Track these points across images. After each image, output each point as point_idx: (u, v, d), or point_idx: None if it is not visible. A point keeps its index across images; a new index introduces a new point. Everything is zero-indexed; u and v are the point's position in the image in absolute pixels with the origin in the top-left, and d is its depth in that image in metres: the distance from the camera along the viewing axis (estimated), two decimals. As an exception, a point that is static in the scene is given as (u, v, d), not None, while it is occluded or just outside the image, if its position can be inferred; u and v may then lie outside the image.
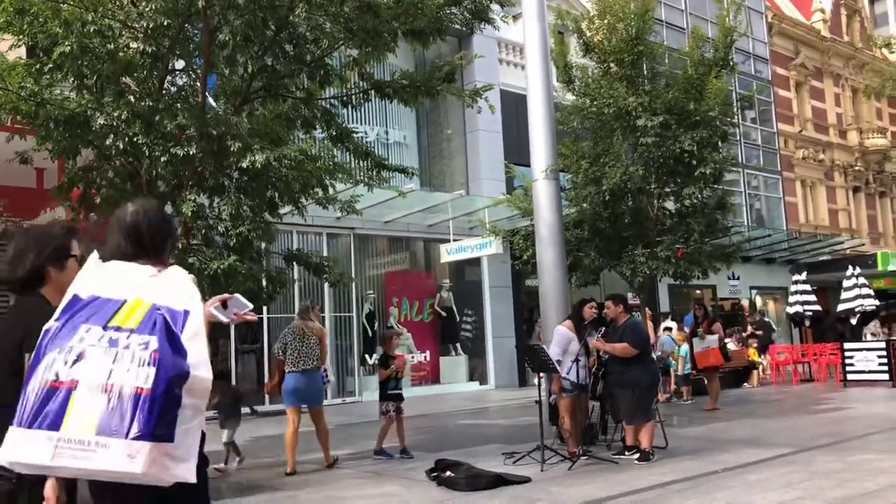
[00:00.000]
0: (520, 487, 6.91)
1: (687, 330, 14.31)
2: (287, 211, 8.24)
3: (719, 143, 13.27)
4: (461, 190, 18.43)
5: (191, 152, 6.72)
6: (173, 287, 2.35)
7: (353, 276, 16.45)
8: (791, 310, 19.99)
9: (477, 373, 19.27)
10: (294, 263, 8.51)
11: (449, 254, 17.76)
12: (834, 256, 27.46)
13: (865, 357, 16.22)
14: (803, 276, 20.23)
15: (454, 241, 17.66)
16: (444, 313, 19.19)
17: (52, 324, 2.23)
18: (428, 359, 18.98)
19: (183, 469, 2.17)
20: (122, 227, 2.55)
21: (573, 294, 11.64)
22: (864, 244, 29.81)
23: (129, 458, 2.06)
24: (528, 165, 11.18)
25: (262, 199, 7.55)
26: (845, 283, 18.97)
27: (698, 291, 23.86)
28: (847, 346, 16.78)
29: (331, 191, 8.25)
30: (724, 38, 13.34)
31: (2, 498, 2.59)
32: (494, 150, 19.31)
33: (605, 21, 12.98)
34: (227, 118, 6.95)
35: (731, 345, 17.15)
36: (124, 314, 2.24)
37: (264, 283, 7.62)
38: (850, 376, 16.19)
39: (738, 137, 25.39)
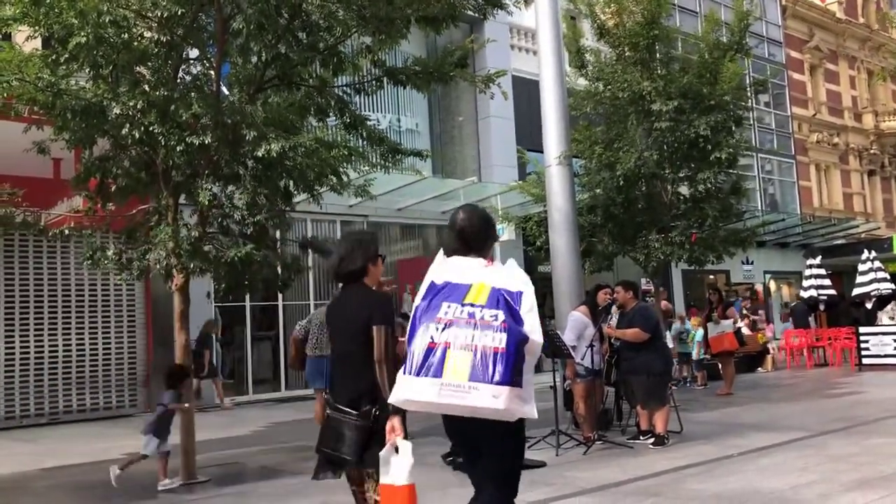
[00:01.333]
0: (535, 472, 6.96)
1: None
2: (302, 199, 8.27)
3: (734, 128, 13.18)
4: (473, 177, 18.44)
5: (206, 141, 6.74)
6: (507, 274, 3.08)
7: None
8: (805, 294, 19.91)
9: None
10: (309, 250, 8.55)
11: (462, 240, 17.74)
12: (849, 240, 27.28)
13: (881, 341, 16.15)
14: (818, 260, 20.12)
15: (467, 227, 17.64)
16: (457, 300, 19.23)
17: (419, 303, 3.02)
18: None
19: (528, 408, 2.94)
20: (454, 230, 3.26)
21: (586, 280, 11.64)
22: (879, 228, 29.62)
23: (493, 398, 2.81)
24: (541, 151, 11.16)
25: (277, 188, 7.58)
26: (860, 268, 18.86)
27: (712, 276, 23.78)
28: (862, 330, 16.71)
29: (345, 178, 8.27)
30: (739, 22, 13.23)
31: (361, 432, 3.48)
32: (506, 137, 19.28)
33: (620, 4, 12.89)
34: (241, 107, 6.96)
35: (745, 329, 17.12)
36: (473, 294, 2.97)
37: (280, 270, 7.66)
38: (865, 361, 16.14)
39: (751, 122, 25.22)
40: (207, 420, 11.92)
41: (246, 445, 9.60)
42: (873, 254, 19.25)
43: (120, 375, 13.75)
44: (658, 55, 12.91)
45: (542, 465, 7.19)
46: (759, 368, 17.40)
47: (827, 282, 19.80)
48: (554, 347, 8.18)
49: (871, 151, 32.96)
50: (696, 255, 12.83)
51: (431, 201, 17.74)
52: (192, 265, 6.90)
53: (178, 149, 6.83)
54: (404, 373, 2.93)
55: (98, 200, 7.82)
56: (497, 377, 2.81)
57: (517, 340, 2.86)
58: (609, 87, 12.73)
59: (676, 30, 14.53)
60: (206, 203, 6.93)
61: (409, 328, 3.01)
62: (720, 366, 13.71)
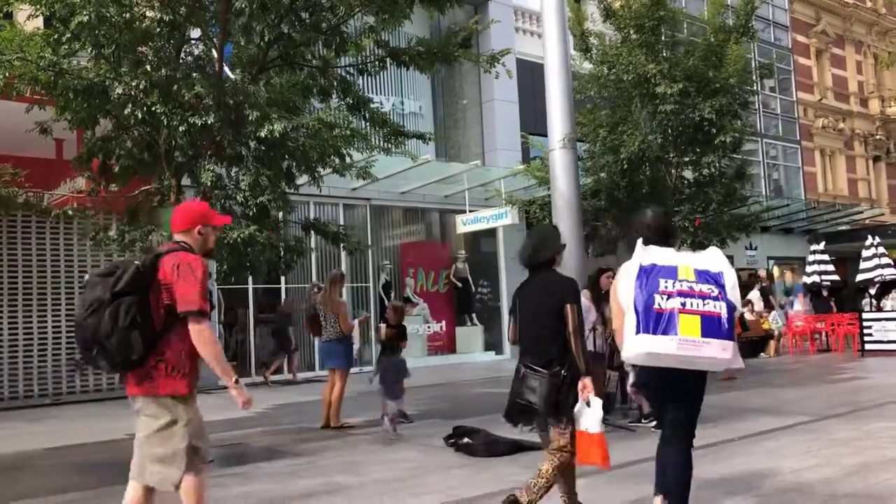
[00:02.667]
0: (537, 453, 6.92)
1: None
2: (304, 182, 8.25)
3: (738, 112, 13.12)
4: (477, 160, 18.37)
5: (209, 122, 6.72)
6: (707, 258, 3.94)
7: (369, 244, 16.51)
8: (809, 280, 19.87)
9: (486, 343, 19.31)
10: (312, 232, 8.53)
11: (464, 224, 17.73)
12: (853, 226, 27.19)
13: (884, 327, 16.13)
14: (822, 245, 20.06)
15: (470, 211, 17.63)
16: (459, 284, 19.25)
17: (633, 281, 3.86)
18: (444, 329, 19.08)
19: (738, 361, 3.85)
20: (648, 225, 4.17)
21: (590, 264, 11.62)
22: (883, 214, 29.52)
23: (722, 350, 3.72)
24: (545, 135, 11.10)
25: (280, 169, 7.57)
26: (864, 254, 18.80)
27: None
28: (865, 315, 16.69)
29: (347, 160, 8.24)
30: (745, 6, 13.13)
31: (552, 389, 4.29)
32: (510, 120, 19.19)
33: (627, -14, 12.81)
34: (244, 87, 6.94)
35: (748, 315, 17.12)
36: (682, 273, 3.82)
37: (282, 252, 7.65)
38: (868, 346, 16.12)
39: (757, 106, 25.09)
40: (210, 401, 11.95)
41: (249, 427, 9.62)
42: (877, 240, 19.17)
43: (123, 357, 13.76)
44: (663, 38, 12.83)
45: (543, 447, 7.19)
46: (762, 353, 17.40)
47: (830, 267, 19.75)
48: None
49: (877, 137, 32.79)
50: (699, 239, 12.80)
51: (434, 185, 17.70)
52: (194, 246, 6.89)
53: (180, 129, 6.82)
54: (637, 333, 3.77)
55: (100, 181, 7.82)
56: (724, 334, 3.71)
57: (730, 309, 3.77)
58: (614, 69, 12.66)
59: (682, 12, 14.43)
60: (209, 184, 6.92)
61: (631, 300, 3.82)
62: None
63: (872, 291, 18.31)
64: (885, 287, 18.39)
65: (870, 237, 19.34)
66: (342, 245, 8.50)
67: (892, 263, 18.81)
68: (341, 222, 16.11)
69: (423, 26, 16.14)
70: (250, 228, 6.83)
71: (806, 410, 8.91)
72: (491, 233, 18.74)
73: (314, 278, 16.33)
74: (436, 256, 19.34)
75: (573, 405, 4.26)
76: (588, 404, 4.20)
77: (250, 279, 14.49)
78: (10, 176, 10.20)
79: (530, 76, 17.20)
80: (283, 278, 15.33)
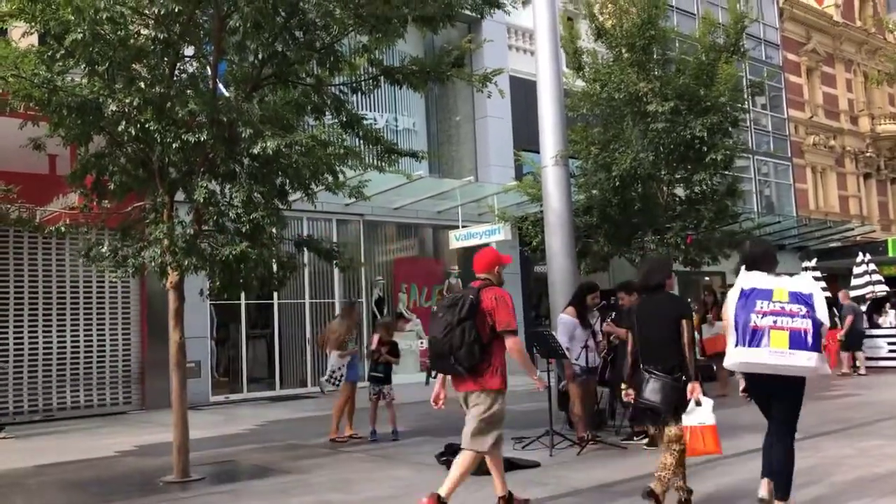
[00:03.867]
0: (529, 472, 6.97)
1: None
2: (297, 197, 8.27)
3: (730, 129, 13.23)
4: (470, 176, 18.43)
5: (202, 139, 6.73)
6: (801, 282, 4.83)
7: (362, 261, 16.50)
8: (800, 297, 19.91)
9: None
10: (304, 249, 8.54)
11: (457, 240, 17.74)
12: (844, 243, 27.32)
13: (875, 344, 16.17)
14: (813, 262, 20.16)
15: (463, 227, 17.66)
16: (452, 299, 19.22)
17: (735, 303, 4.76)
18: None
19: (825, 368, 4.68)
20: (748, 254, 5.16)
21: (582, 281, 11.67)
22: (874, 231, 29.68)
23: (807, 360, 4.55)
24: (538, 152, 11.17)
25: (273, 186, 7.58)
26: (855, 270, 18.89)
27: (707, 278, 23.81)
28: (857, 332, 16.73)
29: (341, 177, 8.27)
30: (735, 25, 13.27)
31: (675, 391, 5.12)
32: (503, 137, 19.28)
33: (618, 5, 12.92)
34: (237, 105, 6.95)
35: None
36: (777, 295, 4.69)
37: (275, 268, 7.65)
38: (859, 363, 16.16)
39: (748, 124, 25.26)
40: (201, 418, 11.91)
41: (239, 444, 9.59)
42: (868, 256, 19.29)
43: (114, 372, 13.73)
44: (655, 56, 12.95)
45: (535, 465, 7.20)
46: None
47: (822, 284, 19.79)
48: (549, 348, 8.19)
49: (867, 154, 33.03)
50: (691, 256, 12.86)
51: (428, 201, 17.74)
52: (186, 263, 6.89)
53: (173, 146, 6.83)
54: (736, 346, 4.70)
55: (94, 197, 7.81)
56: (809, 347, 4.54)
57: (817, 325, 4.60)
58: (606, 88, 12.75)
59: (673, 31, 14.56)
60: (202, 200, 6.93)
61: (731, 319, 4.75)
62: (714, 367, 13.71)
63: (864, 308, 18.40)
64: (877, 303, 18.48)
65: (861, 254, 19.45)
66: (335, 262, 8.51)
67: (884, 280, 18.91)
68: (335, 238, 16.14)
69: (416, 44, 16.25)
70: (242, 245, 6.83)
71: (797, 427, 8.90)
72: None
73: (307, 294, 16.34)
74: (429, 272, 19.34)
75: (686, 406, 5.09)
76: (698, 403, 5.04)
77: (242, 295, 14.47)
78: (2, 192, 10.19)
79: (523, 93, 17.30)
80: (275, 294, 15.30)
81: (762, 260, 5.06)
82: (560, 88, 10.97)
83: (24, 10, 6.58)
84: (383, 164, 8.67)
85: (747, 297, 4.73)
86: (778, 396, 4.89)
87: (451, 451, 7.44)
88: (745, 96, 14.75)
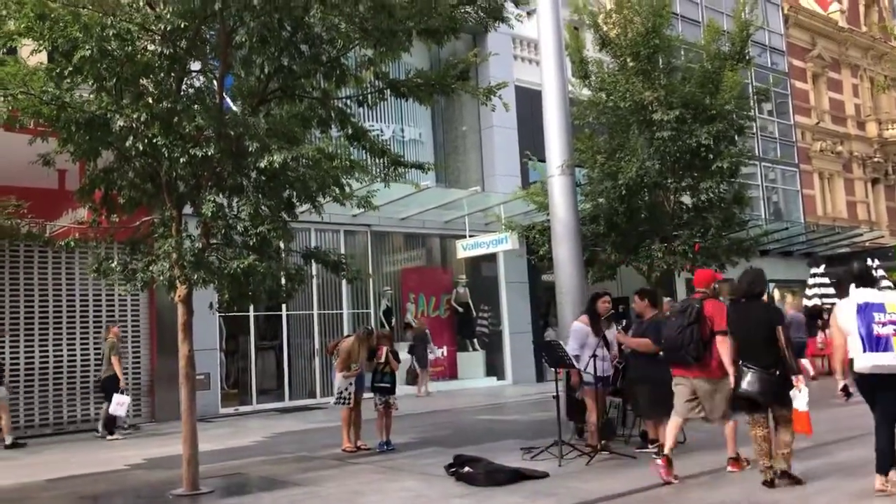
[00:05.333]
0: (539, 482, 6.95)
1: None
2: (304, 209, 8.31)
3: (736, 137, 13.20)
4: (477, 186, 18.46)
5: (209, 153, 6.78)
6: None
7: (370, 272, 16.54)
8: (809, 303, 19.85)
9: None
10: (312, 261, 8.58)
11: (465, 249, 17.80)
12: (853, 249, 27.20)
13: None
14: (822, 268, 20.07)
15: (470, 237, 17.70)
16: (460, 309, 19.25)
17: (855, 316, 5.71)
18: (445, 355, 19.05)
19: None
20: (856, 274, 6.16)
21: (590, 290, 11.65)
22: (883, 236, 29.54)
23: None
24: (544, 160, 11.19)
25: (280, 199, 7.62)
26: (864, 276, 18.77)
27: (716, 286, 23.71)
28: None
29: (347, 189, 8.30)
30: (741, 32, 13.27)
31: (773, 384, 6.14)
32: (510, 147, 19.32)
33: (622, 15, 12.94)
34: (244, 119, 7.00)
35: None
36: (889, 308, 5.68)
37: (283, 281, 7.68)
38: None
39: (754, 130, 25.22)
40: (210, 430, 11.94)
41: (249, 456, 9.61)
42: (877, 262, 19.18)
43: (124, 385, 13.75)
44: (660, 65, 12.95)
45: (545, 475, 7.18)
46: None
47: (831, 290, 19.73)
48: (556, 357, 8.18)
49: (875, 160, 32.92)
50: (698, 264, 12.81)
51: (434, 211, 17.78)
52: (195, 277, 6.93)
53: (181, 160, 6.88)
54: (864, 351, 5.59)
55: (102, 212, 7.87)
56: None
57: None
58: (611, 96, 12.76)
59: (678, 39, 14.55)
60: (210, 214, 6.97)
61: (855, 328, 5.67)
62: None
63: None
64: None
65: (869, 260, 19.33)
66: (342, 274, 8.53)
67: (893, 286, 18.79)
68: (342, 249, 16.19)
69: (422, 57, 16.31)
70: (250, 258, 6.87)
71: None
72: (491, 258, 18.79)
73: (315, 306, 16.38)
74: (436, 282, 19.38)
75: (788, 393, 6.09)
76: (799, 391, 6.03)
77: (251, 307, 14.52)
78: (13, 207, 10.27)
79: (529, 103, 17.34)
80: (283, 306, 15.35)
81: (866, 277, 6.12)
82: (566, 98, 10.98)
83: (32, 28, 6.65)
84: (389, 177, 8.71)
85: (864, 310, 5.69)
86: (886, 391, 5.72)
87: (460, 463, 7.46)
88: (751, 103, 14.70)
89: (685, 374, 6.87)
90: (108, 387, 11.95)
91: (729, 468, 6.96)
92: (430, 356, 17.97)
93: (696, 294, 7.08)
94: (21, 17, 6.59)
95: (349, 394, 9.37)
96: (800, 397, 6.03)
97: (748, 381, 6.19)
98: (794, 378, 6.13)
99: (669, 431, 6.90)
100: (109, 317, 13.71)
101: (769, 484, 6.20)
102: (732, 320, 6.51)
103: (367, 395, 9.67)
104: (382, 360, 9.46)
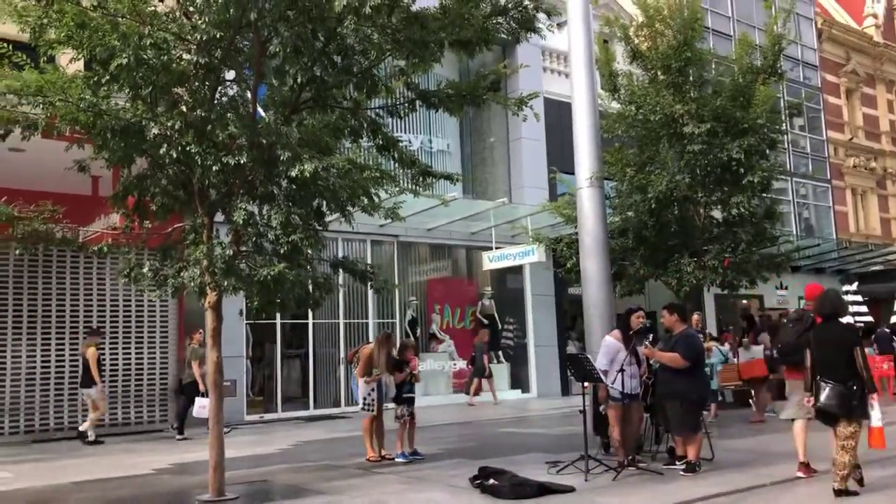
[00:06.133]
0: (564, 497, 6.89)
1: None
2: (333, 218, 8.36)
3: (767, 151, 13.09)
4: (504, 198, 18.44)
5: (241, 161, 6.84)
6: None
7: (396, 282, 16.56)
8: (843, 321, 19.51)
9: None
10: (340, 270, 8.61)
11: (491, 261, 17.76)
12: (887, 267, 26.74)
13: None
14: (854, 286, 19.76)
15: (496, 248, 17.66)
16: (485, 321, 19.19)
17: None
18: (469, 367, 19.00)
19: None
20: None
21: (617, 304, 11.57)
22: (918, 254, 28.98)
23: None
24: (572, 173, 11.15)
25: (311, 208, 7.67)
26: (898, 295, 18.49)
27: (745, 301, 23.45)
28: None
29: (376, 200, 8.34)
30: (773, 46, 13.17)
31: (848, 398, 6.50)
32: (538, 158, 19.29)
33: (654, 28, 12.91)
34: (276, 128, 7.06)
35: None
36: None
37: (311, 289, 7.71)
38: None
39: (786, 145, 24.97)
40: (236, 437, 12.00)
41: (273, 463, 9.64)
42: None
43: (152, 390, 13.91)
44: (691, 78, 12.89)
45: (570, 489, 7.12)
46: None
47: (864, 309, 19.42)
48: (584, 371, 8.13)
49: (910, 176, 32.40)
50: (728, 279, 12.69)
51: (461, 222, 17.78)
52: (225, 283, 6.98)
53: (214, 168, 6.95)
54: None
55: (135, 218, 7.97)
56: None
57: None
58: (641, 109, 12.72)
59: (709, 52, 14.48)
60: (241, 222, 7.03)
61: None
62: (752, 392, 13.48)
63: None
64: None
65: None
66: (369, 283, 8.56)
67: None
68: (369, 258, 16.24)
69: (452, 68, 16.37)
70: (280, 266, 6.91)
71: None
72: (517, 270, 18.73)
73: (341, 314, 16.44)
74: (462, 293, 19.35)
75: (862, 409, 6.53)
76: (872, 408, 6.51)
77: (278, 314, 14.61)
78: (49, 213, 10.42)
79: (558, 114, 17.33)
80: (310, 314, 15.43)
81: None
82: (595, 110, 10.95)
83: (72, 36, 6.77)
84: (418, 187, 8.73)
85: None
86: None
87: (485, 475, 7.42)
88: (783, 118, 14.57)
89: (800, 378, 7.27)
90: (189, 390, 12.50)
91: (799, 473, 7.49)
92: (454, 367, 17.94)
93: (807, 306, 7.99)
94: (62, 25, 6.71)
95: (372, 400, 9.37)
96: (874, 414, 6.57)
97: (826, 395, 6.59)
98: (870, 396, 6.57)
99: (797, 436, 7.58)
100: (139, 322, 13.87)
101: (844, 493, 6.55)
102: (813, 338, 6.93)
103: (389, 405, 9.66)
104: (417, 370, 9.50)
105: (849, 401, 6.51)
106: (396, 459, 9.18)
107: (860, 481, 6.80)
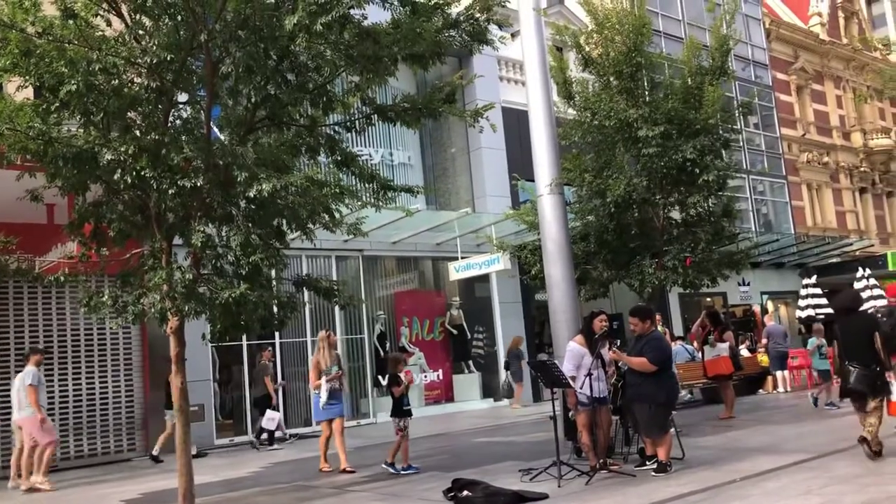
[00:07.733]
0: (538, 504, 6.90)
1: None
2: (294, 237, 8.31)
3: (721, 151, 13.29)
4: (467, 207, 18.50)
5: (198, 184, 6.78)
6: None
7: (362, 297, 16.49)
8: (802, 314, 19.90)
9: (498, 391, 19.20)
10: (304, 288, 8.55)
11: (457, 271, 17.79)
12: (843, 259, 27.34)
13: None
14: (813, 279, 20.14)
15: (462, 258, 17.70)
16: (454, 331, 19.20)
17: None
18: (441, 378, 18.98)
19: None
20: None
21: (583, 308, 11.65)
22: (873, 245, 29.68)
23: None
24: (533, 180, 11.24)
25: (270, 227, 7.61)
26: (856, 285, 18.88)
27: (709, 299, 23.78)
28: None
29: (337, 216, 8.31)
30: (720, 47, 13.40)
31: (871, 378, 7.75)
32: (499, 167, 19.38)
33: (604, 35, 13.06)
34: (232, 148, 7.01)
35: (745, 351, 17.09)
36: None
37: (275, 309, 7.65)
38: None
39: (741, 144, 25.41)
40: (206, 462, 11.82)
41: (246, 487, 9.51)
42: (868, 271, 19.27)
43: (118, 419, 13.64)
44: (643, 82, 13.06)
45: (544, 496, 7.14)
46: (760, 390, 17.33)
47: (823, 300, 19.77)
48: (552, 377, 8.16)
49: (862, 169, 33.18)
50: (690, 278, 12.84)
51: (426, 233, 17.79)
52: (186, 308, 6.90)
53: (170, 192, 6.88)
54: None
55: (92, 245, 7.84)
56: None
57: None
58: (596, 115, 12.85)
59: (660, 56, 14.69)
60: (199, 245, 6.95)
61: None
62: (720, 389, 13.65)
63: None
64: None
65: (860, 269, 19.43)
66: (334, 300, 8.51)
67: (884, 294, 18.89)
68: (334, 274, 16.15)
69: (408, 81, 16.40)
70: (241, 288, 6.84)
71: (806, 448, 8.86)
72: (484, 279, 18.78)
73: (309, 332, 16.31)
74: (430, 304, 19.34)
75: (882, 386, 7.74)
76: (891, 384, 7.75)
77: (244, 336, 14.45)
78: (2, 244, 10.22)
79: (516, 123, 17.46)
80: (276, 334, 15.28)
81: None
82: (552, 118, 11.07)
83: (18, 64, 6.66)
84: (380, 202, 8.72)
85: None
86: None
87: (459, 487, 7.41)
88: (737, 116, 14.81)
89: None
90: (262, 403, 13.98)
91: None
92: (425, 380, 17.90)
93: (891, 302, 9.11)
94: (6, 53, 6.60)
95: (337, 409, 9.66)
96: (894, 389, 7.81)
97: (855, 378, 7.70)
98: (887, 374, 7.72)
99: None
100: (101, 351, 13.60)
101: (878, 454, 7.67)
102: (839, 330, 8.09)
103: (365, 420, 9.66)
104: (414, 382, 9.59)
105: (874, 381, 7.65)
106: (402, 473, 9.16)
107: (879, 452, 7.69)
